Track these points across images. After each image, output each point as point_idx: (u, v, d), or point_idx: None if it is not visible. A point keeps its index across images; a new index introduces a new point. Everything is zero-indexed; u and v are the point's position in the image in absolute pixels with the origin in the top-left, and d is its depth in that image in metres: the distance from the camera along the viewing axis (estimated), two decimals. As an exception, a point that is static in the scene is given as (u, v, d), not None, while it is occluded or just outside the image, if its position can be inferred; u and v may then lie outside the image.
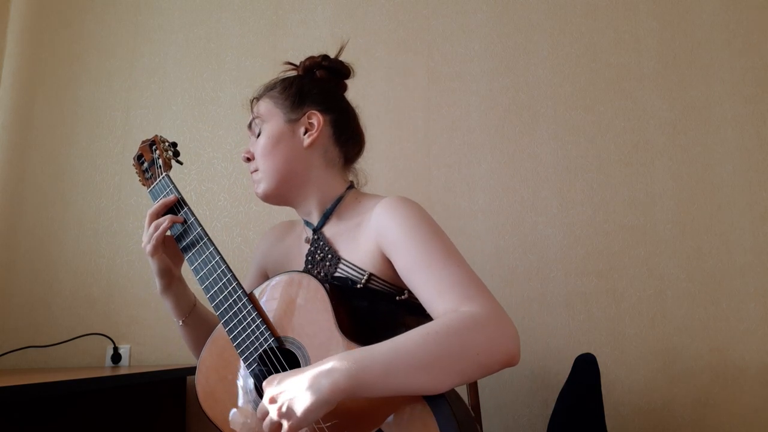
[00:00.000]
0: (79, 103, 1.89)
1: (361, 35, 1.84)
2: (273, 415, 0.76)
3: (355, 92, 1.80)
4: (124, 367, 1.62)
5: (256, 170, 1.04)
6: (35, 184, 1.84)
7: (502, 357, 0.79)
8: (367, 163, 1.79)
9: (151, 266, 1.00)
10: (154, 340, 1.70)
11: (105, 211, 1.81)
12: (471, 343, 0.78)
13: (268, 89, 1.07)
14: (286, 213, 1.72)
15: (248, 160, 1.05)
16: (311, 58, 1.11)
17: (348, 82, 1.15)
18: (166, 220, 0.99)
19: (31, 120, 1.88)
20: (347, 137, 1.08)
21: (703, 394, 1.51)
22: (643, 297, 1.58)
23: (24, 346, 1.67)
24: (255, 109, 1.06)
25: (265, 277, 1.14)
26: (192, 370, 1.51)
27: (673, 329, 1.55)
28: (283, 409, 0.75)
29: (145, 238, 0.99)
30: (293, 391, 0.76)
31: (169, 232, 1.02)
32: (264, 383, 0.80)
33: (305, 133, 1.02)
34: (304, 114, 1.03)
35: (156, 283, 1.02)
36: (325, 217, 1.02)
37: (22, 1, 1.95)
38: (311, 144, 1.02)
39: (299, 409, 0.74)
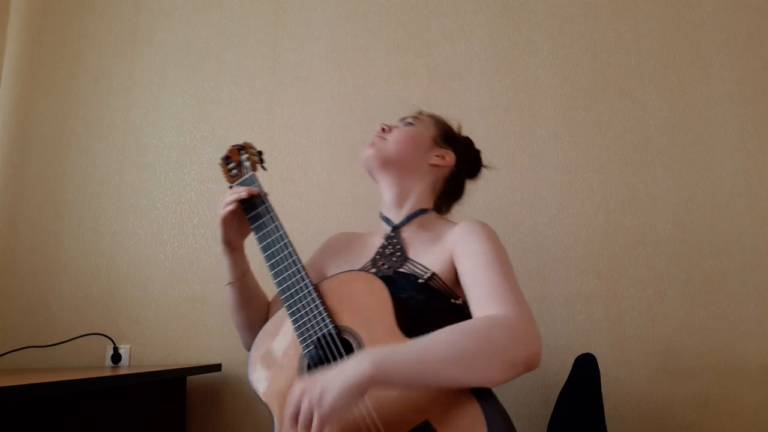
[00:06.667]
0: (79, 103, 1.89)
1: (361, 35, 1.84)
2: (304, 407, 0.80)
3: (355, 92, 1.81)
4: (124, 367, 1.62)
5: (384, 136, 1.20)
6: (35, 184, 1.85)
7: (525, 354, 0.85)
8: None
9: (217, 233, 1.13)
10: (154, 340, 1.70)
11: (105, 211, 1.81)
12: (496, 339, 0.85)
13: (435, 117, 1.28)
14: (284, 215, 1.72)
15: (383, 130, 1.21)
16: (471, 141, 1.33)
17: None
18: (235, 201, 1.10)
19: (31, 120, 1.89)
20: (452, 191, 1.26)
21: (703, 394, 1.51)
22: (643, 297, 1.58)
23: (24, 346, 1.67)
24: (410, 116, 1.25)
25: (317, 272, 1.23)
26: (192, 370, 1.51)
27: (673, 329, 1.55)
28: (313, 399, 0.79)
29: (220, 207, 1.12)
30: (322, 382, 0.80)
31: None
32: (295, 383, 0.84)
33: (436, 156, 1.21)
34: (445, 148, 1.23)
35: (219, 247, 1.16)
36: (408, 219, 1.16)
37: (22, 1, 1.95)
38: (433, 165, 1.20)
39: (327, 398, 0.78)
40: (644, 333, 1.56)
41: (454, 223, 1.15)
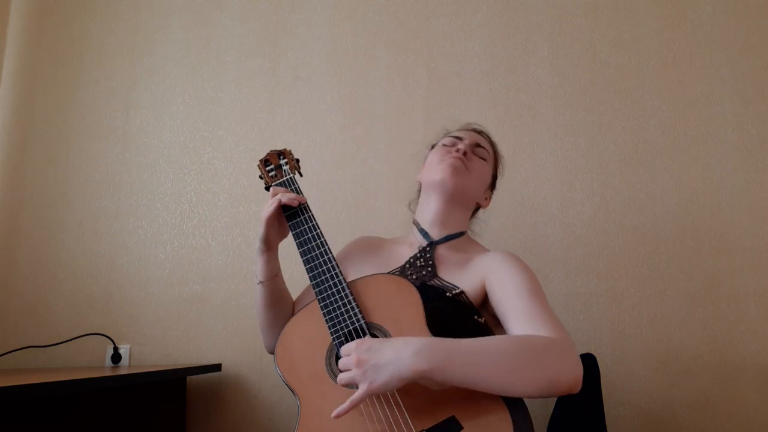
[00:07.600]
0: (79, 103, 1.89)
1: (361, 35, 1.84)
2: (355, 375, 0.85)
3: (355, 92, 1.81)
4: (124, 367, 1.62)
5: (467, 165, 1.23)
6: (35, 184, 1.85)
7: (571, 378, 0.88)
8: (367, 163, 1.80)
9: (259, 230, 1.16)
10: (154, 340, 1.70)
11: (105, 211, 1.81)
12: (548, 357, 0.88)
13: (498, 156, 1.34)
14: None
15: (465, 154, 1.24)
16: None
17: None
18: (278, 201, 1.13)
19: (31, 120, 1.89)
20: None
21: (703, 394, 1.51)
22: (643, 297, 1.58)
23: (24, 346, 1.67)
24: (484, 142, 1.30)
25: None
26: (192, 370, 1.51)
27: (673, 329, 1.55)
28: (367, 374, 0.84)
29: (266, 207, 1.15)
30: (379, 361, 0.85)
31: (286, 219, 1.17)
32: (355, 343, 0.89)
33: (485, 198, 1.32)
34: (490, 192, 1.33)
35: (256, 245, 1.18)
36: (446, 239, 1.21)
37: (22, 1, 1.95)
38: (477, 203, 1.31)
39: (379, 379, 0.84)
40: (644, 333, 1.56)
41: (487, 250, 1.22)
